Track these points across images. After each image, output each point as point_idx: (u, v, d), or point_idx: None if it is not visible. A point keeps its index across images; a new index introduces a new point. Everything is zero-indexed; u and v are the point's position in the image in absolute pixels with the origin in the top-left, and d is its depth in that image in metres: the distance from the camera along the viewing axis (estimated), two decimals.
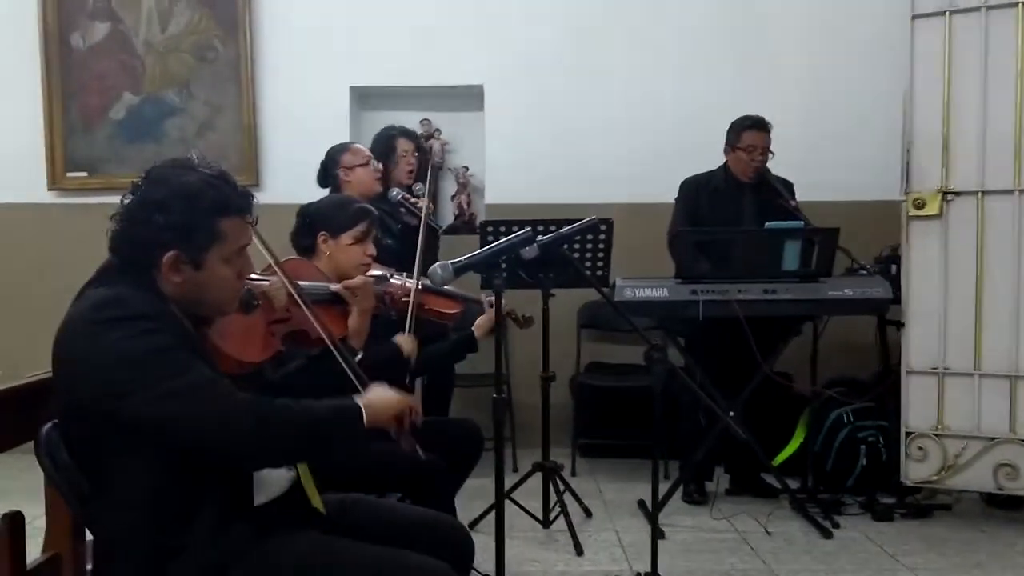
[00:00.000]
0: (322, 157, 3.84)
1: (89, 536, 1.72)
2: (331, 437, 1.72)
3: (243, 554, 1.60)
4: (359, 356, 2.39)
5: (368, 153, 3.84)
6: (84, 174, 4.98)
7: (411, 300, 2.77)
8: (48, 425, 1.64)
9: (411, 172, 4.16)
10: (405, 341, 2.71)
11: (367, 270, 2.69)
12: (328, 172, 3.80)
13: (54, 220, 4.95)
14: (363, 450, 2.51)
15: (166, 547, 1.56)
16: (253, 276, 1.92)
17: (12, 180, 4.96)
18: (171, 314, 1.65)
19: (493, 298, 2.65)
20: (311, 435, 1.67)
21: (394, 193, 3.92)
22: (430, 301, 2.91)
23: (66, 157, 4.98)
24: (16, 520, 1.66)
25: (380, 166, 3.86)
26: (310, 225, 2.70)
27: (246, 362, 1.89)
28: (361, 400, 1.75)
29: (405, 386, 2.77)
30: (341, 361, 1.98)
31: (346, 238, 2.66)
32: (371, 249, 2.73)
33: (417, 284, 2.81)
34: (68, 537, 1.79)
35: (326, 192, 3.75)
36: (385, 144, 4.19)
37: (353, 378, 1.96)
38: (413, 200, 3.92)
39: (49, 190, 5.00)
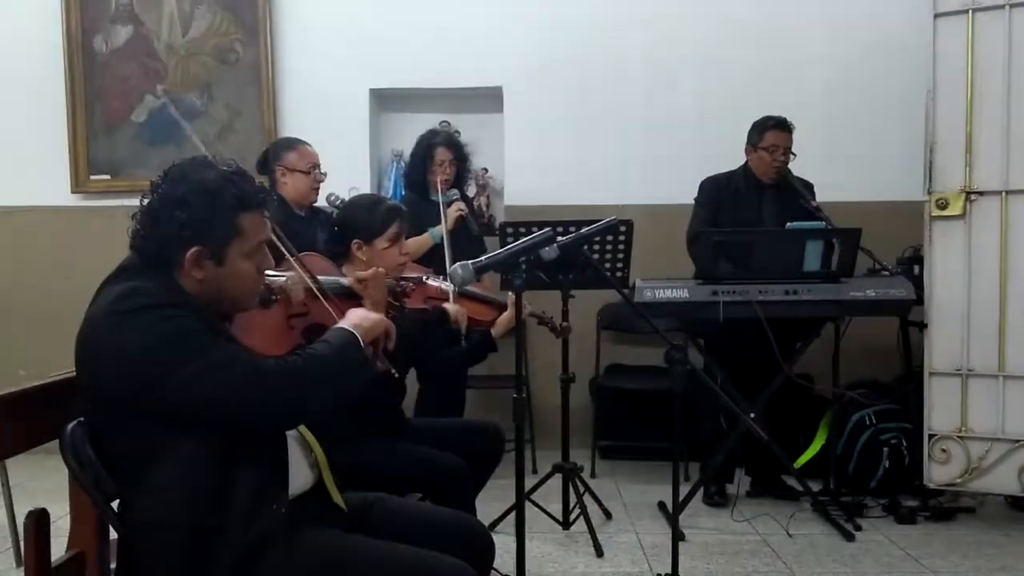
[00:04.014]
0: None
1: (113, 535, 1.73)
2: (350, 369, 1.72)
3: (279, 537, 1.62)
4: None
5: (315, 160, 3.70)
6: (107, 177, 5.02)
7: (451, 300, 2.77)
8: (73, 423, 1.65)
9: (446, 181, 4.20)
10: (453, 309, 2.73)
11: (404, 270, 2.69)
12: (268, 163, 3.71)
13: (77, 222, 5.00)
14: (386, 450, 2.53)
15: (205, 527, 1.58)
16: (270, 272, 1.93)
17: (36, 183, 5.01)
18: (192, 304, 1.66)
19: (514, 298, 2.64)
20: (338, 373, 1.69)
21: (333, 198, 3.75)
22: (466, 307, 2.90)
23: (89, 160, 5.02)
24: (41, 517, 1.67)
25: (324, 176, 3.71)
26: (341, 234, 2.69)
27: (268, 356, 1.90)
28: (347, 324, 1.77)
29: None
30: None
31: (381, 242, 2.64)
32: (406, 248, 2.74)
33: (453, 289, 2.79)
34: (92, 535, 1.79)
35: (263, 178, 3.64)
36: (423, 150, 4.24)
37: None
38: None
39: (72, 192, 5.04)
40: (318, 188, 3.72)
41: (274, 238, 1.90)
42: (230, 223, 1.67)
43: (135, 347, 1.54)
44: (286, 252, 2.05)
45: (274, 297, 2.00)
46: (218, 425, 1.58)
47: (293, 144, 3.74)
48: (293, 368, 1.64)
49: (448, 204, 4.13)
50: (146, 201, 1.69)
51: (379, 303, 2.47)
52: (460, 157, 4.31)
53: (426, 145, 4.28)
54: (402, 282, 2.64)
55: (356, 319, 1.80)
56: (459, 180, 4.35)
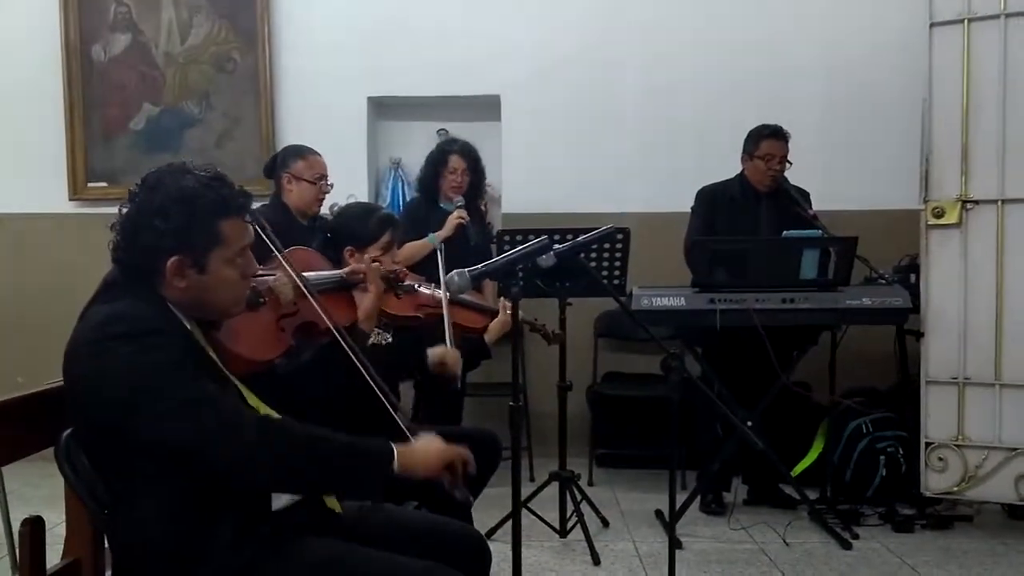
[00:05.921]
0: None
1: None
2: (351, 472, 1.67)
3: (263, 561, 1.61)
4: (371, 340, 2.37)
5: (323, 171, 3.71)
6: (105, 184, 5.02)
7: (445, 312, 2.76)
8: (68, 431, 1.65)
9: (457, 189, 4.20)
10: (447, 353, 2.72)
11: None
12: (275, 168, 3.71)
13: (75, 230, 4.98)
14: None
15: (187, 556, 1.57)
16: (258, 271, 1.90)
17: (34, 190, 5.01)
18: (177, 325, 1.64)
19: (509, 305, 2.65)
20: (325, 464, 1.63)
21: (335, 209, 3.79)
22: (457, 315, 2.90)
23: (87, 167, 5.02)
24: (37, 525, 1.66)
25: (331, 187, 3.72)
26: (333, 241, 2.70)
27: (259, 360, 1.87)
28: (399, 445, 1.69)
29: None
30: (346, 348, 1.97)
31: (373, 251, 2.65)
32: (398, 257, 2.74)
33: (446, 297, 2.79)
34: (87, 543, 1.79)
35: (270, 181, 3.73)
36: (438, 156, 4.25)
37: (359, 365, 1.95)
38: None
39: (70, 200, 5.04)
40: (323, 199, 3.70)
41: (264, 237, 1.88)
42: (210, 230, 1.63)
43: (115, 376, 1.51)
44: (273, 248, 2.02)
45: (262, 299, 1.96)
46: (184, 464, 1.54)
47: (303, 153, 3.72)
48: (278, 430, 1.60)
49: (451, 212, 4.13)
50: (124, 210, 1.66)
51: (375, 293, 2.47)
52: (475, 168, 4.29)
53: (441, 151, 4.29)
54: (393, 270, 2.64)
55: (416, 443, 1.74)
56: (473, 192, 4.32)
